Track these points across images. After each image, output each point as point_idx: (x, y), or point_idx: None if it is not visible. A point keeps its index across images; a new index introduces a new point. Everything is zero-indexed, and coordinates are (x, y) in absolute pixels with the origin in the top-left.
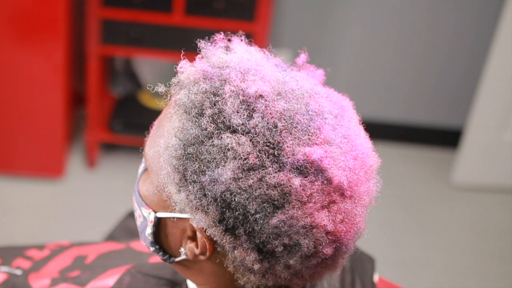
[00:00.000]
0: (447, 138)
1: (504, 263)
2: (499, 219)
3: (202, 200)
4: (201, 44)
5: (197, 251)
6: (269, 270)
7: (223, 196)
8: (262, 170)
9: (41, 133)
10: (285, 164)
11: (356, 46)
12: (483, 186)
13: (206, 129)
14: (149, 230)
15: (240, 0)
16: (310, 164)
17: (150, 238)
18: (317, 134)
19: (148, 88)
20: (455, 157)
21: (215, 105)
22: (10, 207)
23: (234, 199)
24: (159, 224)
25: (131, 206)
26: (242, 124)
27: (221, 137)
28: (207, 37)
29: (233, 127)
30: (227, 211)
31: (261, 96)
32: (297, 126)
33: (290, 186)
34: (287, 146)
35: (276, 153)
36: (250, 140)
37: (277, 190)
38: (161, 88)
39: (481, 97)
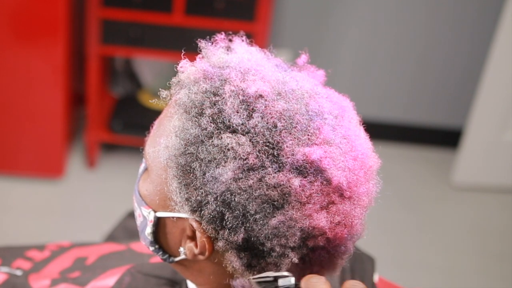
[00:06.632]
0: (447, 138)
1: (504, 263)
2: (499, 219)
3: (202, 199)
4: (202, 44)
5: (196, 251)
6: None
7: (223, 196)
8: (262, 170)
9: (41, 133)
10: (284, 164)
11: (356, 46)
12: (483, 186)
13: (206, 128)
14: (148, 229)
15: (240, 0)
16: (309, 164)
17: (149, 237)
18: (316, 134)
19: (148, 88)
20: (455, 157)
21: (215, 104)
22: (10, 207)
23: (234, 199)
24: (158, 223)
25: (131, 206)
26: (242, 124)
27: (221, 137)
28: (207, 37)
29: (233, 127)
30: (226, 211)
31: (261, 96)
32: (296, 126)
33: (289, 186)
34: (287, 146)
35: (275, 153)
36: (250, 140)
37: (277, 191)
38: (164, 94)
39: (481, 97)
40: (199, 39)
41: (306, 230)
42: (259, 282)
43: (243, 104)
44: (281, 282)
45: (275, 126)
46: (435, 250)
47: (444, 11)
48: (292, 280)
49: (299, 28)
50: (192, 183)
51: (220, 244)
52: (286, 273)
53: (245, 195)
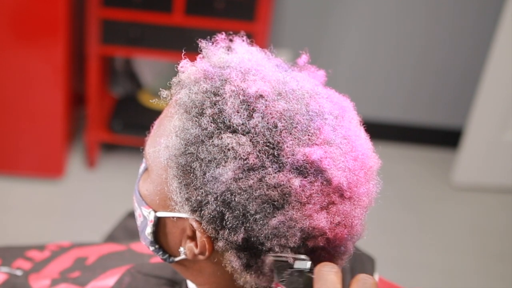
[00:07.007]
0: (447, 138)
1: (504, 263)
2: (499, 219)
3: (202, 199)
4: (202, 44)
5: (196, 251)
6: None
7: (223, 196)
8: (262, 170)
9: (41, 133)
10: (285, 164)
11: (356, 46)
12: (483, 186)
13: (206, 128)
14: (149, 229)
15: (240, 0)
16: (309, 165)
17: (150, 237)
18: (317, 134)
19: (148, 88)
20: (455, 157)
21: (215, 104)
22: (10, 207)
23: (234, 199)
24: (159, 223)
25: (131, 206)
26: (242, 124)
27: (221, 137)
28: (207, 37)
29: (233, 127)
30: (227, 211)
31: (261, 96)
32: (297, 126)
33: (290, 186)
34: (287, 146)
35: (276, 153)
36: (250, 140)
37: (277, 191)
38: (164, 94)
39: (481, 97)
40: (199, 39)
41: (306, 231)
42: (276, 261)
43: (244, 104)
44: (297, 264)
45: (276, 126)
46: (435, 250)
47: (444, 11)
48: (308, 264)
49: (299, 28)
50: (192, 183)
51: (220, 244)
52: (303, 256)
53: (245, 195)
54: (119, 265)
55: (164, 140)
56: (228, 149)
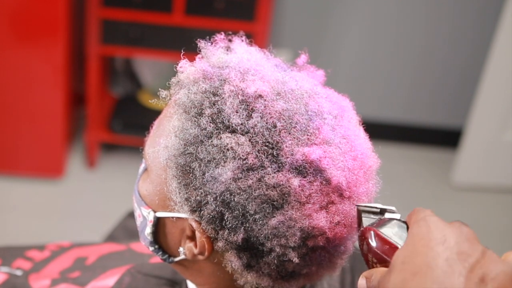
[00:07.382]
0: (447, 138)
1: None
2: (499, 219)
3: (201, 199)
4: (201, 44)
5: (195, 251)
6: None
7: (222, 196)
8: (261, 170)
9: (41, 133)
10: (284, 164)
11: (356, 46)
12: (483, 186)
13: (205, 128)
14: (148, 229)
15: (240, 0)
16: (309, 164)
17: (149, 237)
18: (316, 134)
19: (148, 88)
20: (455, 157)
21: (214, 104)
22: (10, 207)
23: (234, 199)
24: (158, 223)
25: (131, 206)
26: (241, 124)
27: (220, 137)
28: (207, 37)
29: (232, 127)
30: (226, 211)
31: (260, 96)
32: (296, 126)
33: (289, 186)
34: (286, 146)
35: (275, 153)
36: (249, 140)
37: (276, 191)
38: (164, 94)
39: (481, 97)
40: (198, 39)
41: (306, 230)
42: (363, 211)
43: (243, 104)
44: (387, 215)
45: (275, 126)
46: None
47: (444, 11)
48: (398, 215)
49: (299, 28)
50: (192, 183)
51: (220, 244)
52: (393, 208)
53: (245, 195)
54: (119, 265)
55: (163, 140)
56: (227, 149)
